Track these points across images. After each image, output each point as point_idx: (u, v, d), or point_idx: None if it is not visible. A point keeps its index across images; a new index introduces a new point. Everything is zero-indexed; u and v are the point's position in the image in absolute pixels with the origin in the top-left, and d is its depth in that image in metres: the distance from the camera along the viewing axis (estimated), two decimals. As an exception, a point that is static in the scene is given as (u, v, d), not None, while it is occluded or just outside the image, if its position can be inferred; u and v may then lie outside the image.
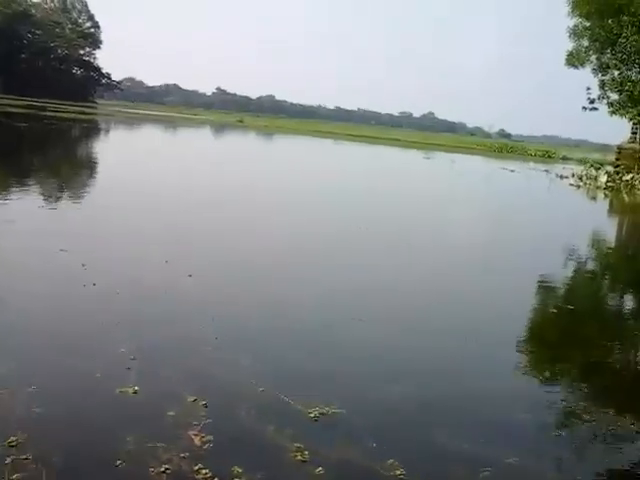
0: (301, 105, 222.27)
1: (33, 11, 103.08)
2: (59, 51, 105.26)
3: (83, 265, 7.27)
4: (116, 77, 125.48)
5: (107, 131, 45.98)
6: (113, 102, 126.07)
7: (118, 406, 4.17)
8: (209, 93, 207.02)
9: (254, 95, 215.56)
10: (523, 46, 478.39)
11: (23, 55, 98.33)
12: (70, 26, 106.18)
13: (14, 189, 13.26)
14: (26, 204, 11.58)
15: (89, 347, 5.07)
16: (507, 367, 5.91)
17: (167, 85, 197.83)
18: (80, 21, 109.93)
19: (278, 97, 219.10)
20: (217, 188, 17.16)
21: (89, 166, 21.53)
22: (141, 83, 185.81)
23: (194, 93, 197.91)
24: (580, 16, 38.33)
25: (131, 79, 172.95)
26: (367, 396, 4.81)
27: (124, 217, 11.22)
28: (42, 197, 12.99)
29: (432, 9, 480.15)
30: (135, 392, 4.32)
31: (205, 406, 4.24)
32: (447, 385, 5.32)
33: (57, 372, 4.58)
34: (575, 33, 39.50)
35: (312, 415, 4.32)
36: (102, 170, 19.48)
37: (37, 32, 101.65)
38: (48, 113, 51.88)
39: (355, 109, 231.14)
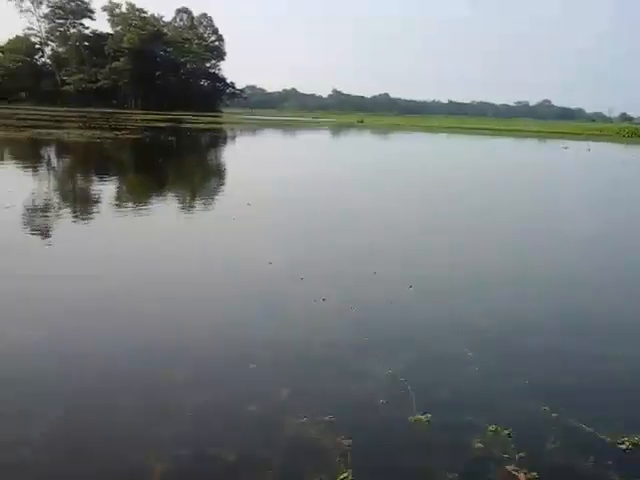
0: (414, 101, 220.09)
1: (165, 30, 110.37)
2: (188, 66, 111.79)
3: (302, 278, 7.32)
4: (239, 86, 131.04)
5: (248, 138, 47.34)
6: (235, 110, 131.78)
7: (421, 437, 3.98)
8: (325, 95, 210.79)
9: (368, 94, 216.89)
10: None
11: (157, 72, 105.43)
12: (197, 41, 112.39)
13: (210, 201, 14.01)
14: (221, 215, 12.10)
15: (357, 368, 4.95)
16: None
17: (286, 91, 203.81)
18: (206, 36, 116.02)
19: (392, 95, 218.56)
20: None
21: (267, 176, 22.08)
22: (262, 90, 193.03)
23: (311, 97, 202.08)
24: None
25: (252, 87, 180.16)
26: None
27: (322, 227, 11.17)
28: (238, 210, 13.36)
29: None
30: (428, 421, 4.15)
31: (509, 436, 3.99)
32: None
33: (339, 398, 4.44)
34: None
35: (623, 447, 3.95)
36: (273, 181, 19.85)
37: (168, 50, 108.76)
38: (186, 125, 54.96)
39: (469, 101, 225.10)
